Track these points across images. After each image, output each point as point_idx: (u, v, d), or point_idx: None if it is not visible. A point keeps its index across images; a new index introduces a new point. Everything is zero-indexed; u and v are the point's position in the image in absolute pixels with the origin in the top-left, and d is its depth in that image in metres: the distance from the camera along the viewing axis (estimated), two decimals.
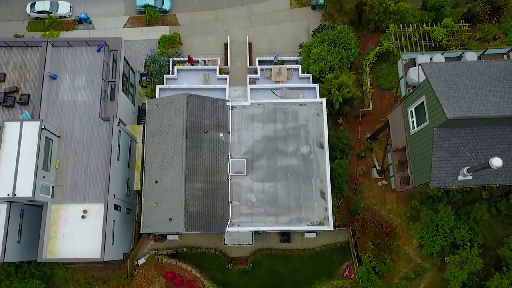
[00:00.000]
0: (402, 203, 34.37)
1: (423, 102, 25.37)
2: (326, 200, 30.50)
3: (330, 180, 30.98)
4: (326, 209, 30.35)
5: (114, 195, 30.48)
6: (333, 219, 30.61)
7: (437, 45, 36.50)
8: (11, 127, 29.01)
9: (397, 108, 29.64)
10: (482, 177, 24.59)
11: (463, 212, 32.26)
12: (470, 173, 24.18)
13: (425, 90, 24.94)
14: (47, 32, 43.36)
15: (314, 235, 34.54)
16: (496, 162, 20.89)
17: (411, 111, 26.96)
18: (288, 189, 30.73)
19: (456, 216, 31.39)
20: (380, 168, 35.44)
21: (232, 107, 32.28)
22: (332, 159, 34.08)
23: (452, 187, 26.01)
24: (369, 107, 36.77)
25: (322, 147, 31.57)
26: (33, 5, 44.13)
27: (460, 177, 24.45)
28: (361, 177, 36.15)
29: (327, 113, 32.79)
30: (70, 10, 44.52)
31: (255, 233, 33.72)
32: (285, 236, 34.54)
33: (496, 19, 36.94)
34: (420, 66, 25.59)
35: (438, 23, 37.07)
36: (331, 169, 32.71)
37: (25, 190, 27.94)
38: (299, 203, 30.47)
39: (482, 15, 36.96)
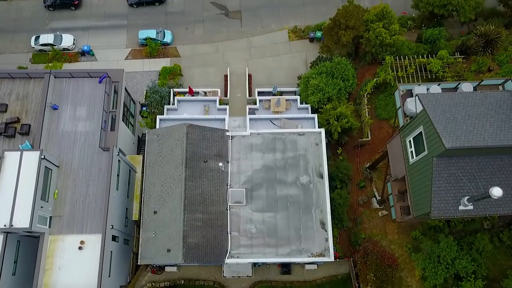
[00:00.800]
0: (403, 233, 33.97)
1: (421, 132, 25.57)
2: (326, 231, 30.17)
3: (330, 210, 30.76)
4: (327, 240, 29.98)
5: (112, 226, 30.14)
6: (333, 250, 30.18)
7: (433, 76, 37.18)
8: (11, 157, 29.03)
9: (395, 138, 29.83)
10: (483, 207, 24.46)
11: (465, 243, 31.84)
12: (471, 203, 24.06)
13: (422, 120, 25.19)
14: (50, 64, 44.23)
15: (314, 266, 33.93)
16: (496, 192, 20.85)
17: (410, 141, 27.13)
18: (288, 220, 30.45)
19: (458, 247, 30.96)
20: (380, 198, 35.27)
21: (231, 137, 32.48)
22: (331, 189, 33.98)
23: (453, 217, 25.81)
24: (368, 137, 37.00)
25: (321, 176, 31.53)
26: (37, 38, 45.21)
27: (461, 207, 24.31)
28: (361, 207, 35.90)
29: (326, 143, 32.97)
30: (74, 42, 45.56)
31: (254, 264, 33.13)
32: (286, 267, 33.92)
33: (490, 51, 37.80)
34: (417, 97, 25.96)
35: (434, 55, 37.91)
36: (331, 199, 32.54)
37: (22, 221, 27.63)
38: (299, 234, 30.12)
39: (476, 48, 37.85)
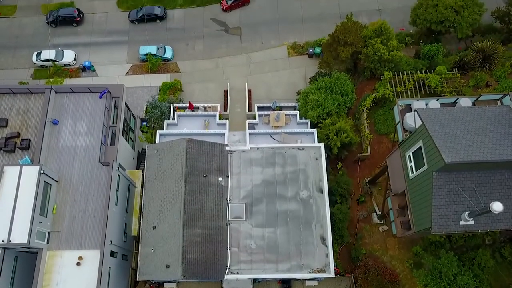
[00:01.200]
0: (405, 249, 33.71)
1: (420, 146, 25.62)
2: (327, 246, 29.95)
3: (330, 225, 30.58)
4: (327, 255, 29.73)
5: (111, 241, 29.91)
6: (334, 266, 29.90)
7: (432, 92, 37.44)
8: (11, 172, 28.97)
9: (395, 153, 29.87)
10: (484, 222, 24.34)
11: (466, 259, 31.56)
12: (471, 218, 23.95)
13: (422, 135, 25.28)
14: (51, 80, 44.55)
15: (315, 282, 33.53)
16: (497, 206, 20.77)
17: (409, 155, 27.16)
18: (288, 235, 30.25)
19: (459, 263, 30.67)
20: (380, 213, 35.11)
21: (231, 151, 32.50)
22: (331, 203, 33.85)
23: (454, 232, 25.66)
24: (367, 152, 37.04)
25: (321, 191, 31.46)
26: (39, 53, 45.66)
27: (462, 222, 24.19)
28: (361, 222, 35.71)
29: (326, 158, 32.98)
30: (75, 58, 46.00)
31: (254, 281, 32.76)
32: (286, 283, 33.52)
33: (487, 67, 38.16)
34: (416, 112, 26.10)
35: (432, 70, 38.24)
36: (331, 214, 32.39)
37: (20, 236, 27.42)
38: (300, 249, 29.88)
39: (474, 63, 38.21)
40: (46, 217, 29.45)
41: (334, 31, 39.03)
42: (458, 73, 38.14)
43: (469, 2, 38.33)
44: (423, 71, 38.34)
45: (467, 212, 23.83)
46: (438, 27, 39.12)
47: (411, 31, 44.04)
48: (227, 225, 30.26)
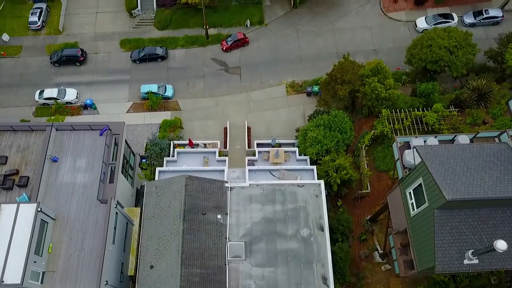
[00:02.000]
0: None
1: (420, 183, 25.53)
2: (328, 286, 29.12)
3: (332, 265, 29.90)
4: None
5: (107, 282, 29.06)
6: None
7: (430, 129, 37.79)
8: (7, 210, 28.58)
9: (395, 190, 29.72)
10: (488, 261, 23.82)
11: None
12: (476, 257, 23.46)
13: (421, 172, 25.26)
14: (52, 117, 44.99)
15: None
16: (501, 245, 20.41)
17: (410, 193, 27.01)
18: (288, 275, 29.49)
19: None
20: (382, 251, 34.43)
21: (230, 188, 32.31)
22: (332, 242, 33.25)
23: (458, 272, 25.06)
24: (368, 189, 36.86)
25: (322, 229, 31.00)
26: (42, 92, 46.39)
27: (466, 261, 23.68)
28: (363, 261, 34.94)
29: (326, 195, 32.75)
30: (77, 96, 46.69)
31: None
32: None
33: (483, 105, 38.76)
34: (415, 149, 26.22)
35: (429, 108, 38.80)
36: (332, 253, 31.73)
37: (13, 277, 26.62)
38: None
39: (470, 101, 38.85)
40: (41, 256, 28.79)
41: (331, 70, 39.93)
42: (455, 110, 38.68)
43: (463, 42, 39.50)
44: (420, 109, 38.88)
45: (470, 251, 23.38)
46: (433, 66, 40.08)
47: (407, 70, 45.09)
48: (226, 264, 29.58)
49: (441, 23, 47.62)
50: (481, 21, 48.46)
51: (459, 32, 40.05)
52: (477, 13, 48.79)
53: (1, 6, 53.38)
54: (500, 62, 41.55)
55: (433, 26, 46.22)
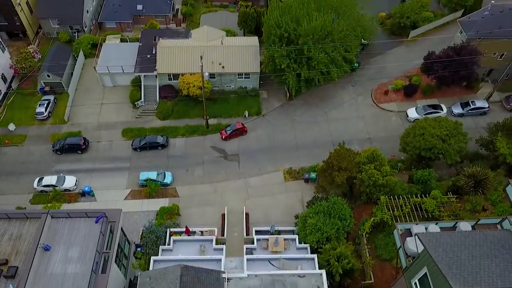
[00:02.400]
0: None
1: (426, 273, 24.62)
2: None
3: None
4: None
5: None
6: None
7: (430, 215, 37.39)
8: None
9: (400, 280, 28.50)
10: None
11: None
12: None
13: (425, 261, 24.50)
14: (49, 205, 44.57)
15: None
16: None
17: (415, 283, 25.90)
18: None
19: None
20: None
21: (228, 279, 30.83)
22: None
23: None
24: (371, 279, 35.28)
25: None
26: (40, 179, 46.57)
27: None
28: None
29: (328, 285, 31.21)
30: (75, 184, 46.77)
31: None
32: None
33: (481, 191, 38.89)
34: (417, 236, 25.74)
35: (427, 194, 38.82)
36: None
37: None
38: None
39: (467, 188, 39.03)
40: None
41: (328, 157, 40.73)
42: (453, 197, 38.68)
43: (454, 131, 40.99)
44: (418, 195, 38.89)
45: None
46: (428, 153, 41.05)
47: (402, 157, 46.04)
48: None
49: (431, 113, 49.95)
50: (469, 111, 50.93)
51: (449, 122, 41.82)
52: (465, 104, 51.48)
53: (12, 98, 56.00)
54: (492, 150, 42.67)
55: (423, 116, 48.38)
